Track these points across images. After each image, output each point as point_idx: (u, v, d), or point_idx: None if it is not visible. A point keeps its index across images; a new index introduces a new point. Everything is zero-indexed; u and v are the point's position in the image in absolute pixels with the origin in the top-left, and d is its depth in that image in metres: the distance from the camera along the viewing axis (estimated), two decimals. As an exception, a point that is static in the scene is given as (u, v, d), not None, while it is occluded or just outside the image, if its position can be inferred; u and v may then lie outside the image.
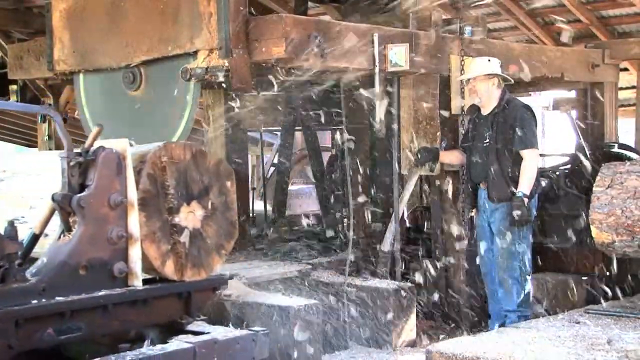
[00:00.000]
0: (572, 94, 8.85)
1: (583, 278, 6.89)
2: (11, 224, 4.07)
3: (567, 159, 7.86)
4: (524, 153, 5.87)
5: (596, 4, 9.39)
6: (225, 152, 7.69)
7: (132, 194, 4.34)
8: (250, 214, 8.41)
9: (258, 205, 9.33)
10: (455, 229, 6.48)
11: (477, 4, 8.25)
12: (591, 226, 5.48)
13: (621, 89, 9.14)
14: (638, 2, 8.94)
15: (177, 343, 4.26)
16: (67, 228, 4.27)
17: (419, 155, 6.25)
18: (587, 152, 7.35)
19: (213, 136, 7.76)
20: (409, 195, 6.56)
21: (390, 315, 5.78)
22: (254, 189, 9.43)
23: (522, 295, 5.98)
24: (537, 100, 13.89)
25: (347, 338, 5.95)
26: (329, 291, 6.10)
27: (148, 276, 4.51)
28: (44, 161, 4.91)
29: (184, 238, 4.54)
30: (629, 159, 7.19)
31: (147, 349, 4.17)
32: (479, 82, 6.06)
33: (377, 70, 5.86)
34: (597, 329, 4.83)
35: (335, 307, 6.01)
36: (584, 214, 6.56)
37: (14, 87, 8.76)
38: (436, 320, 6.73)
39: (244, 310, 5.21)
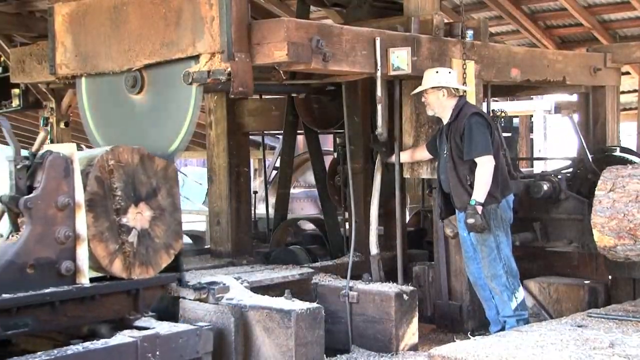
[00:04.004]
0: (574, 98, 8.85)
1: (585, 282, 6.88)
2: None
3: (569, 162, 7.85)
4: (477, 160, 5.83)
5: (598, 7, 9.40)
6: (227, 155, 7.70)
7: (80, 196, 4.56)
8: (252, 218, 8.41)
9: (260, 209, 9.34)
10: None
11: None
12: (593, 230, 5.47)
13: (623, 92, 9.14)
14: (639, 6, 8.95)
15: (120, 337, 4.43)
16: (15, 228, 4.51)
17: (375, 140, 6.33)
18: (589, 156, 7.35)
19: (215, 140, 7.77)
20: (378, 195, 6.56)
21: (392, 319, 5.78)
22: (255, 192, 9.44)
23: (515, 299, 5.96)
24: (539, 104, 13.93)
25: (349, 342, 5.94)
26: (330, 295, 6.10)
27: (98, 274, 4.73)
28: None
29: (132, 238, 4.78)
30: (631, 162, 7.19)
31: (90, 343, 4.31)
32: (429, 95, 6.02)
33: (379, 74, 5.86)
34: (599, 332, 4.82)
35: (337, 311, 6.01)
36: (585, 218, 6.56)
37: (16, 91, 8.78)
38: (438, 325, 6.73)
39: (245, 314, 5.20)
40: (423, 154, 6.33)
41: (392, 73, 5.93)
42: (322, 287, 6.21)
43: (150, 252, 4.87)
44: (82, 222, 4.53)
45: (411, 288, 6.05)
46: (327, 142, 9.92)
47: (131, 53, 5.60)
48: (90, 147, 5.86)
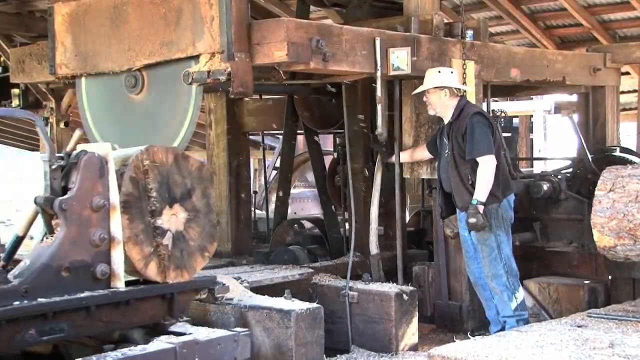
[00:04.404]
0: (574, 98, 8.86)
1: (585, 282, 6.88)
2: None
3: (569, 162, 7.86)
4: (478, 160, 5.83)
5: (598, 7, 9.41)
6: (227, 155, 7.71)
7: (115, 197, 4.40)
8: (252, 218, 8.41)
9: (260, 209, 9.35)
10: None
11: None
12: (593, 230, 5.48)
13: (622, 92, 9.15)
14: (639, 6, 8.96)
15: (158, 344, 4.30)
16: (49, 230, 4.34)
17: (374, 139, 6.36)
18: (589, 156, 7.35)
19: (215, 140, 7.78)
20: (378, 195, 6.56)
21: (392, 319, 5.78)
22: (255, 192, 9.43)
23: (515, 299, 5.96)
24: (539, 104, 13.94)
25: (349, 342, 5.94)
26: (330, 295, 6.10)
27: (132, 278, 4.56)
28: (36, 165, 4.93)
29: (167, 240, 4.61)
30: (631, 162, 7.19)
31: (128, 350, 4.19)
32: (431, 95, 6.03)
33: (379, 74, 5.86)
34: (599, 332, 4.83)
35: (337, 311, 6.01)
36: (585, 218, 6.56)
37: (16, 91, 8.79)
38: (438, 325, 6.73)
39: (245, 314, 5.20)
40: (423, 153, 6.34)
41: (392, 73, 5.93)
42: (322, 287, 6.21)
43: (185, 255, 4.70)
44: (117, 224, 4.39)
45: (411, 288, 6.05)
46: (327, 142, 9.92)
47: (131, 53, 5.61)
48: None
